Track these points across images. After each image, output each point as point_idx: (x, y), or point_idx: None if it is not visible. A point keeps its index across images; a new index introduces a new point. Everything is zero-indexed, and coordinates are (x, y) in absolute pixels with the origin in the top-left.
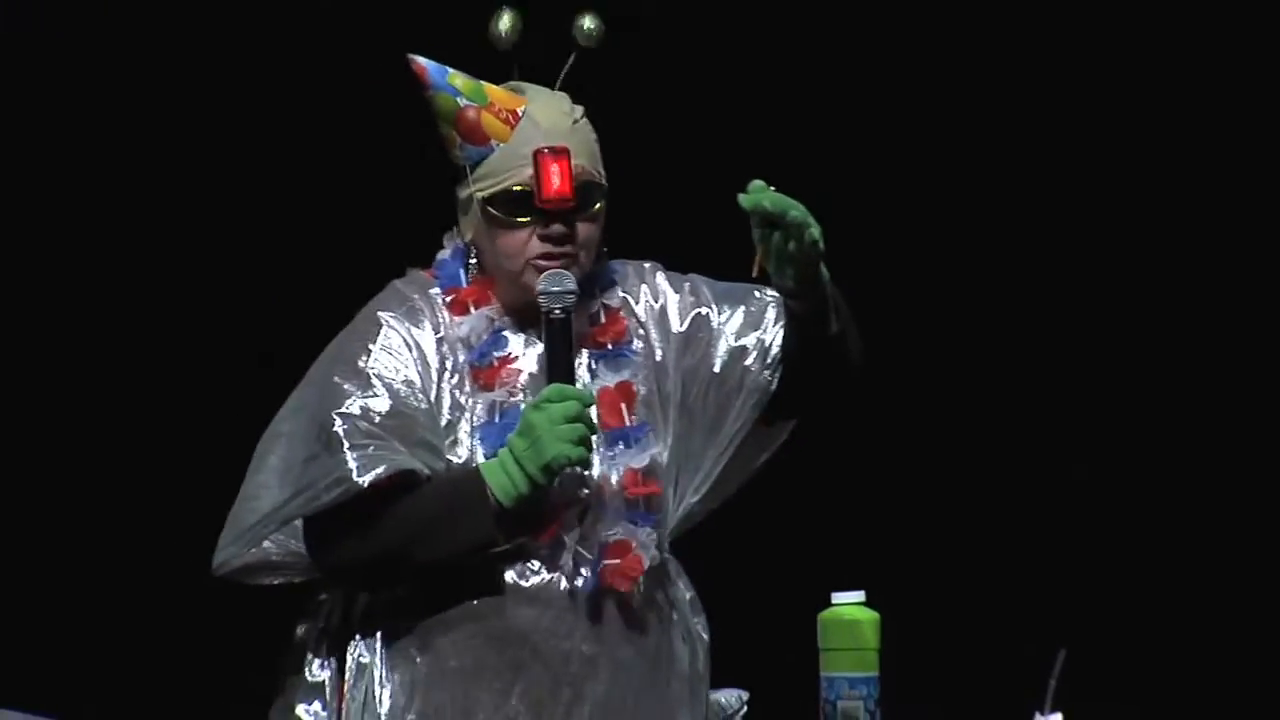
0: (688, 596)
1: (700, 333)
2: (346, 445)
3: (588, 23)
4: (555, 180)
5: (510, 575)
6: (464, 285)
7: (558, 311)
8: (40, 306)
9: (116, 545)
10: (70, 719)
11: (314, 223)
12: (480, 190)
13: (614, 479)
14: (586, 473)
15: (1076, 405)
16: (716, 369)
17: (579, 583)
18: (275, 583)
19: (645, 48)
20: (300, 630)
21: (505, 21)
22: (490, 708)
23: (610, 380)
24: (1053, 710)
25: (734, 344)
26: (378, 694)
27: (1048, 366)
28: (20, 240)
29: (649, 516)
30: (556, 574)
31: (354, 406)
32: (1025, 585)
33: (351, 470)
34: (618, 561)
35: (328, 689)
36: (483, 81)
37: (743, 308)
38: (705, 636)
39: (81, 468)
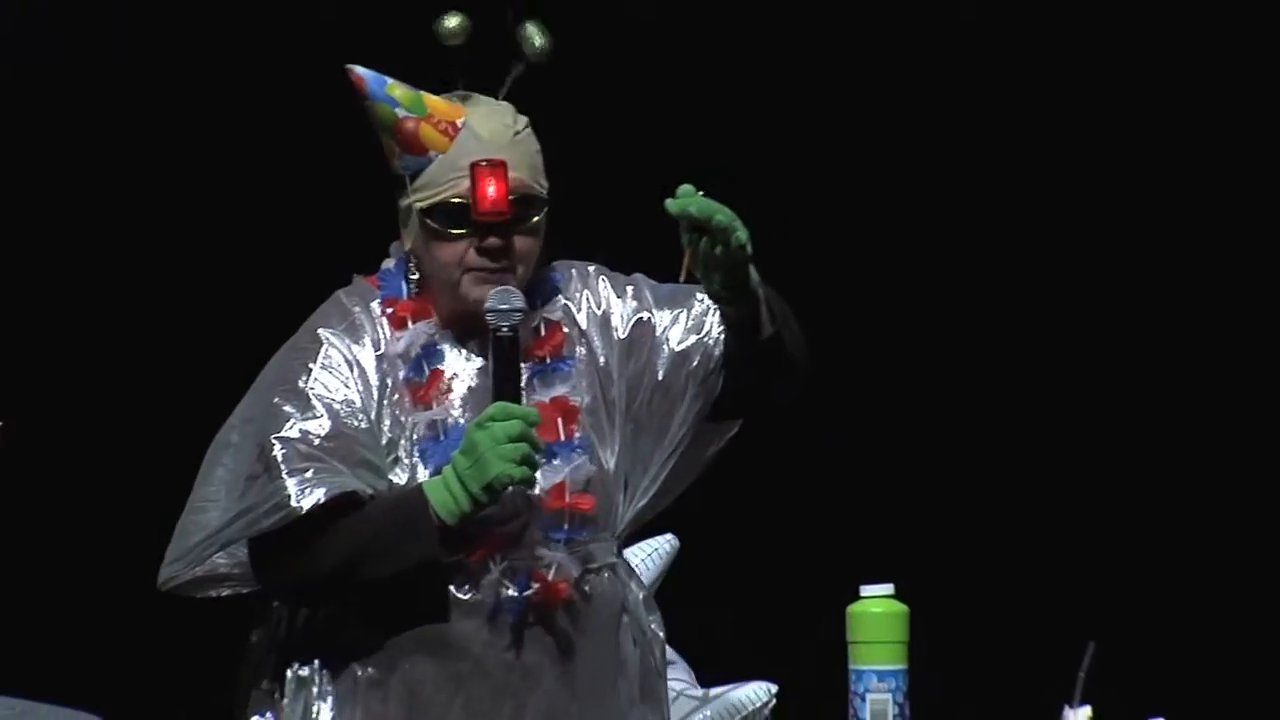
0: (640, 596)
1: (643, 338)
2: (285, 470)
3: (537, 40)
4: (491, 193)
5: (450, 588)
6: (405, 297)
7: (505, 329)
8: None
9: (100, 543)
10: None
11: (266, 227)
12: (418, 201)
13: (540, 494)
14: (531, 491)
15: (1110, 397)
16: (660, 375)
17: (507, 602)
18: (224, 594)
19: (593, 53)
20: (254, 637)
21: (453, 21)
22: None
23: (545, 395)
24: (1081, 703)
25: (677, 349)
26: (318, 709)
27: (1080, 358)
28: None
29: (578, 531)
30: (491, 589)
31: (293, 430)
32: (1054, 578)
33: (290, 496)
34: (539, 586)
35: (280, 701)
36: (423, 92)
37: (685, 311)
38: (660, 634)
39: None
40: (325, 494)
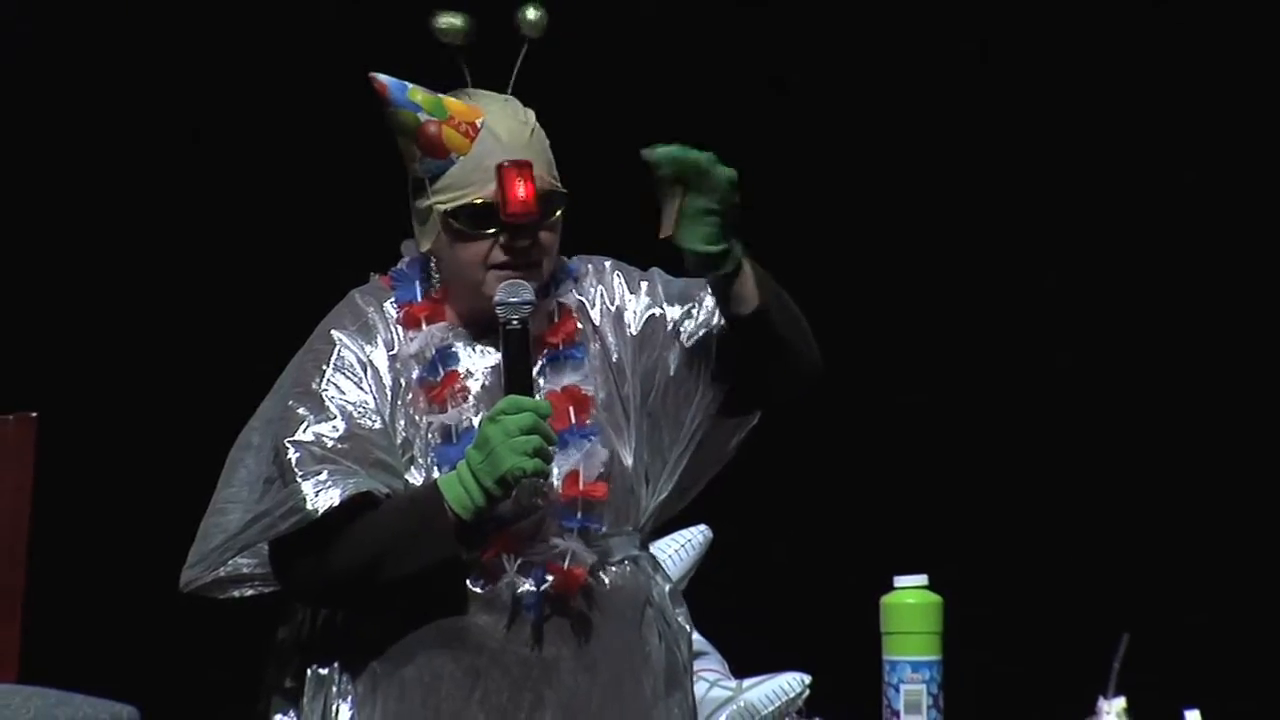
0: (666, 589)
1: (655, 334)
2: (299, 474)
3: (530, 13)
4: (520, 194)
5: (467, 582)
6: (419, 298)
7: (515, 322)
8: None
9: (134, 537)
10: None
11: (283, 226)
12: (441, 203)
13: (555, 483)
14: (544, 483)
15: (1147, 387)
16: (672, 370)
17: (524, 596)
18: (247, 594)
19: (594, 42)
20: (280, 635)
21: (453, 20)
22: (450, 716)
23: (556, 384)
24: (1116, 694)
25: (688, 344)
26: (337, 707)
27: (1113, 348)
28: (14, 243)
29: (589, 520)
30: (508, 585)
31: (307, 433)
32: (1088, 569)
33: (305, 499)
34: (555, 577)
35: (298, 701)
36: (441, 95)
37: (696, 305)
38: (688, 627)
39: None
40: (340, 496)
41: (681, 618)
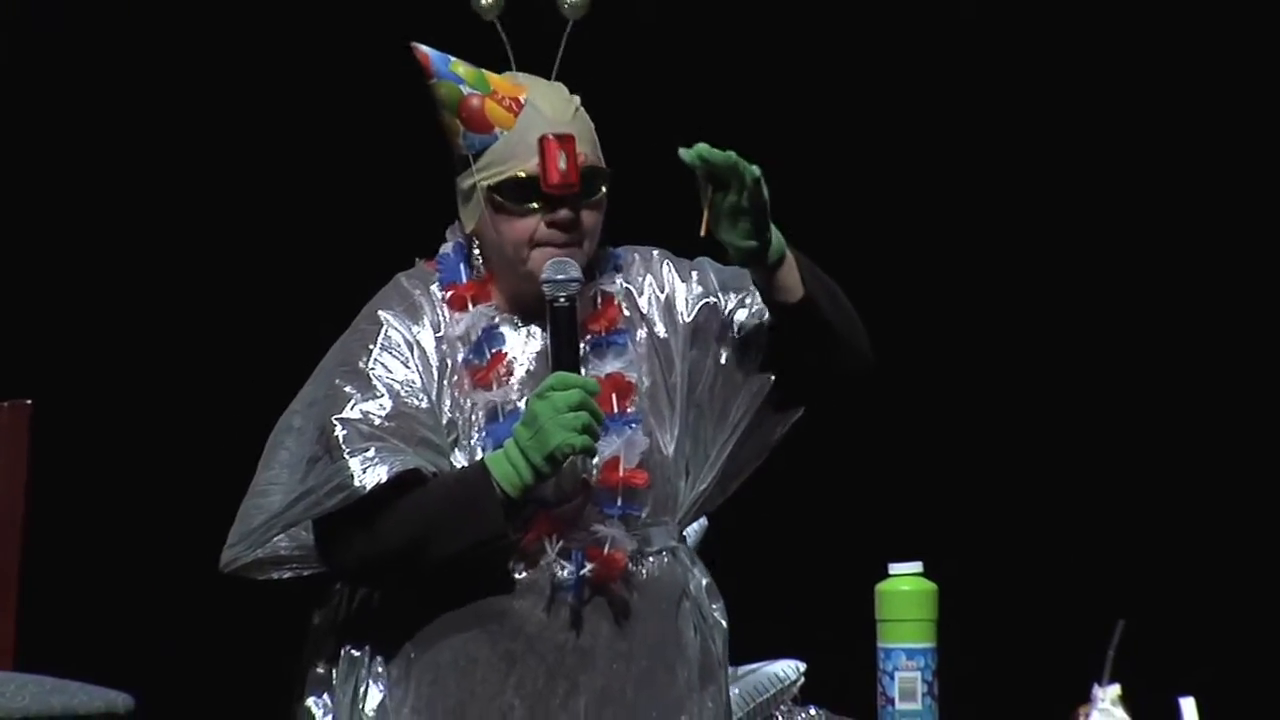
0: (704, 583)
1: (709, 323)
2: (347, 451)
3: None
4: (561, 165)
5: (506, 570)
6: (464, 281)
7: (562, 300)
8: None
9: (148, 531)
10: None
11: (323, 213)
12: (485, 178)
13: (594, 468)
14: (589, 463)
15: (1139, 374)
16: (723, 359)
17: (563, 581)
18: (285, 577)
19: (635, 33)
20: (316, 619)
21: None
22: (484, 701)
23: (600, 370)
24: (1110, 681)
25: (740, 335)
26: (367, 689)
27: (1107, 337)
28: (38, 239)
29: (630, 506)
30: (547, 570)
31: (354, 410)
32: (1083, 555)
33: (352, 476)
34: (595, 563)
35: (329, 684)
36: (484, 70)
37: (750, 294)
38: (724, 623)
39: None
40: (388, 472)
41: (718, 612)
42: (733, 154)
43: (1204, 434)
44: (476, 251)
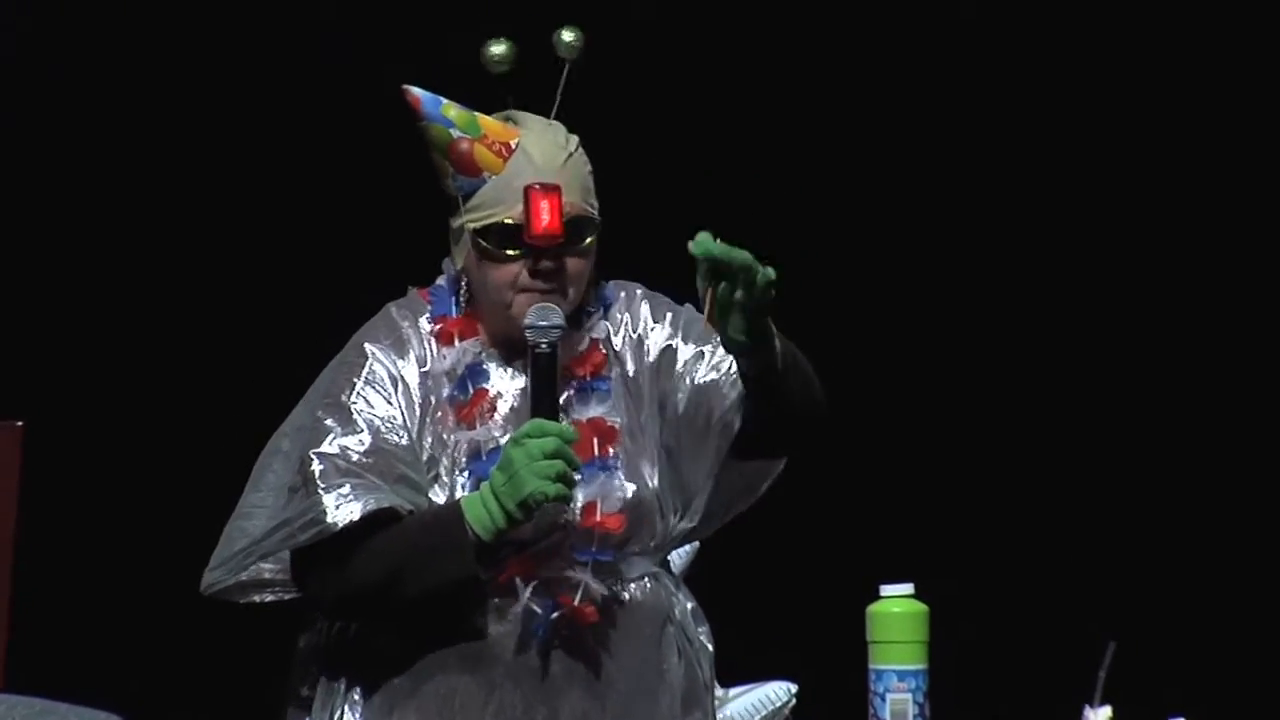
0: (689, 607)
1: (669, 368)
2: (322, 486)
3: (566, 34)
4: (545, 217)
5: (483, 603)
6: (453, 315)
7: (543, 346)
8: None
9: (123, 546)
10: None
11: (314, 242)
12: (471, 222)
13: (572, 514)
14: (565, 509)
15: (1130, 398)
16: (680, 409)
17: (535, 621)
18: (267, 600)
19: (633, 70)
20: (301, 643)
21: (499, 47)
22: None
23: (583, 415)
24: (1102, 703)
25: (697, 383)
26: (343, 716)
27: (1098, 359)
28: (30, 262)
29: (605, 551)
30: (522, 610)
31: (333, 445)
32: (1074, 578)
33: (325, 511)
34: (565, 611)
35: (312, 710)
36: (477, 113)
37: (710, 348)
38: (709, 646)
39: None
40: (360, 510)
41: (704, 636)
42: (747, 255)
43: (1195, 454)
44: (464, 287)
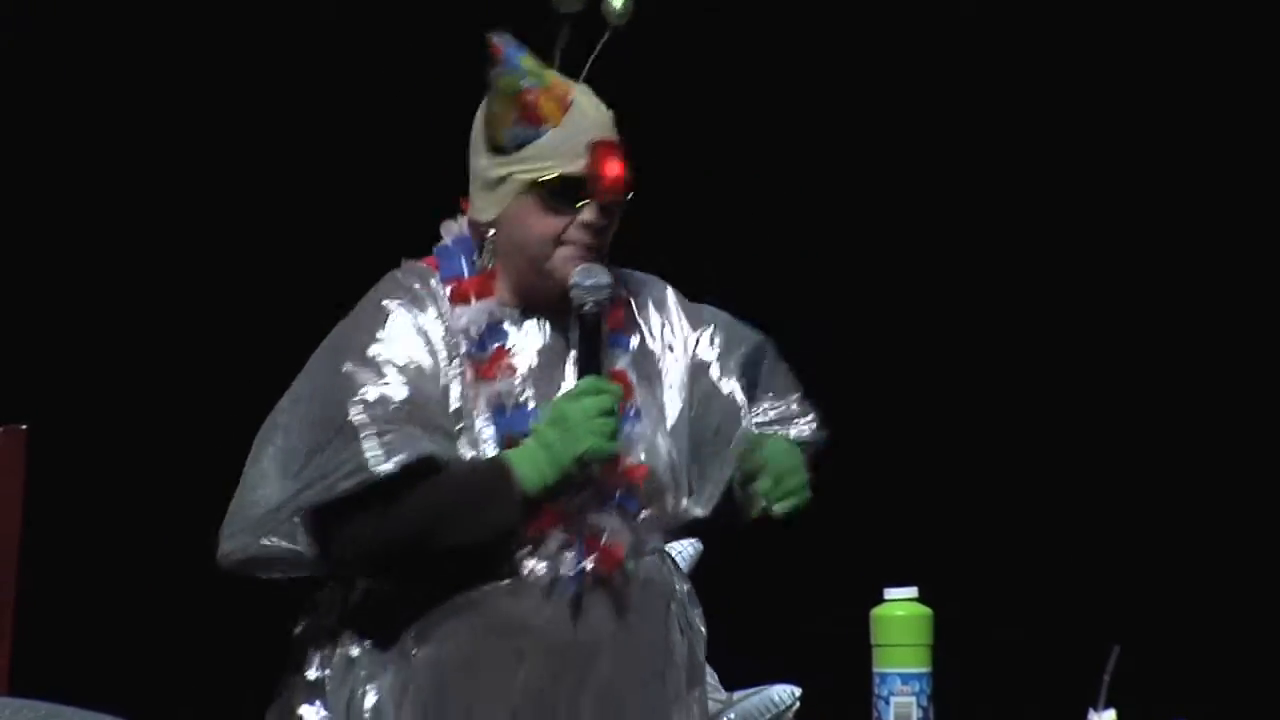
0: (686, 589)
1: (705, 378)
2: (364, 434)
3: (617, 2)
4: (614, 171)
5: (509, 564)
6: (465, 275)
7: (590, 305)
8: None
9: (127, 539)
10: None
11: (308, 215)
12: (526, 171)
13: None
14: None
15: (1134, 402)
16: (709, 419)
17: (565, 571)
18: (274, 577)
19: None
20: (299, 628)
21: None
22: (491, 698)
23: (608, 365)
24: (1106, 706)
25: (729, 405)
26: (364, 690)
27: (1104, 363)
28: (33, 265)
29: (628, 499)
30: (549, 563)
31: (368, 394)
32: (1078, 581)
33: (370, 459)
34: (596, 554)
35: (327, 687)
36: (544, 66)
37: (741, 379)
38: (703, 630)
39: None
40: (407, 457)
41: (698, 618)
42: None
43: (1200, 459)
44: (486, 242)
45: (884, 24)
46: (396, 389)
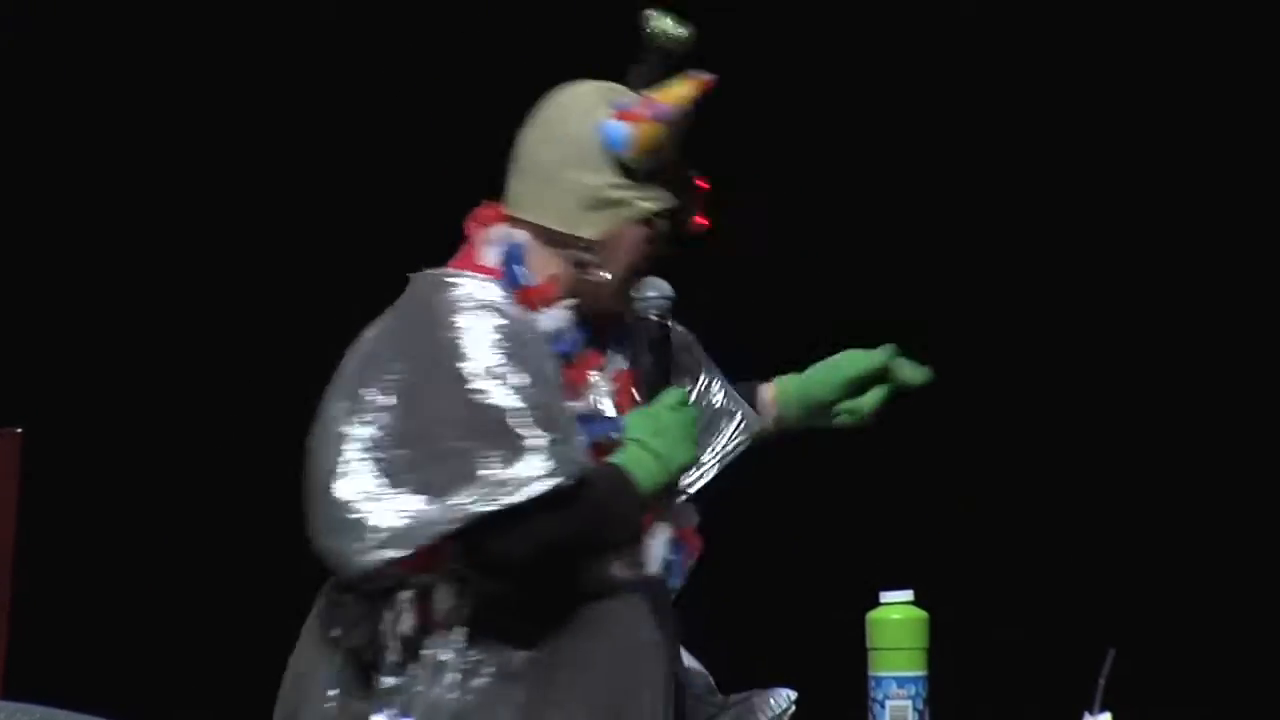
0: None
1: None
2: (530, 440)
3: (672, 28)
4: (704, 220)
5: (605, 569)
6: (529, 283)
7: (654, 316)
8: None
9: (121, 553)
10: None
11: (306, 218)
12: (653, 202)
13: None
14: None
15: (1130, 405)
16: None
17: (671, 569)
18: (380, 587)
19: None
20: (349, 637)
21: (681, 30)
22: (580, 700)
23: (624, 364)
24: (1101, 710)
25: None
26: (454, 695)
27: (1099, 366)
28: (29, 268)
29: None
30: (643, 564)
31: (509, 400)
32: (1074, 584)
33: (551, 467)
34: (690, 541)
35: (408, 692)
36: None
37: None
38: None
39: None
40: (580, 465)
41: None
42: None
43: (1196, 462)
44: (567, 254)
45: (884, 24)
46: (531, 393)
